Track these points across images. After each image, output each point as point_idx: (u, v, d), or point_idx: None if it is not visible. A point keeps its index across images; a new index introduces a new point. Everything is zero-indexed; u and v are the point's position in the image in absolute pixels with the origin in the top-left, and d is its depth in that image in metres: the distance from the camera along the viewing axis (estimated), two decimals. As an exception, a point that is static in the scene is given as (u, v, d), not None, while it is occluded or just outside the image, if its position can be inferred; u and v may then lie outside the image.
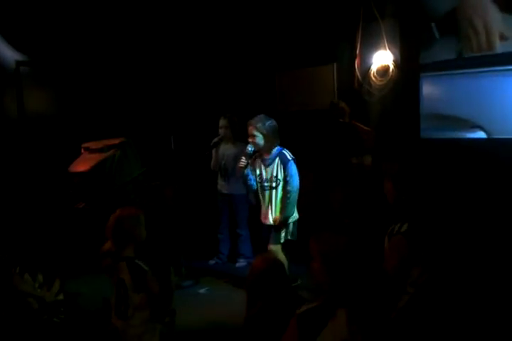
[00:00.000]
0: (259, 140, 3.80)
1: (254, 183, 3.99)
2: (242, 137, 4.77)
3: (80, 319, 3.72)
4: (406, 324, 2.18)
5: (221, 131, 4.73)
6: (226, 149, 4.79)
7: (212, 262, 5.09)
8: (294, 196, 3.82)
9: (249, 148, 3.85)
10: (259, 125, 3.79)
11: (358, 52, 4.84)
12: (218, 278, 4.73)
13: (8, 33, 5.02)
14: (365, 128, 4.66)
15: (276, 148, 3.89)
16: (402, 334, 1.94)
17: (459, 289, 2.75)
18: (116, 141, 3.91)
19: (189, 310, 3.87)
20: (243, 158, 3.87)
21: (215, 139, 4.74)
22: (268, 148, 3.87)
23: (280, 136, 3.93)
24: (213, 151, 4.80)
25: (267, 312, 2.19)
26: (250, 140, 3.84)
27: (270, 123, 3.83)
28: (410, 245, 2.33)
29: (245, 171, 3.91)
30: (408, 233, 2.36)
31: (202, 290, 4.42)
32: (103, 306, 3.96)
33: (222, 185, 4.94)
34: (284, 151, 3.88)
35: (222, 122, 4.74)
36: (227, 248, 5.08)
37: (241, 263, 4.89)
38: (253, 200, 4.85)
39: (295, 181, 3.81)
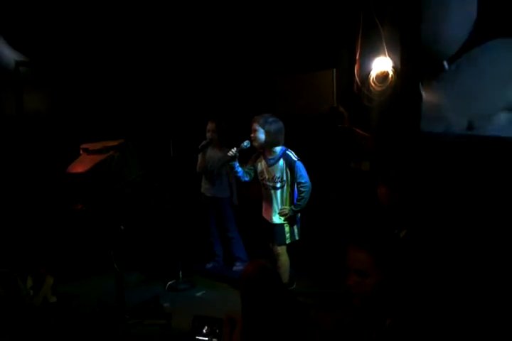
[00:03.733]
0: (260, 134, 3.80)
1: (243, 175, 4.00)
2: (229, 142, 4.80)
3: (75, 321, 3.70)
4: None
5: (208, 135, 4.75)
6: (212, 153, 4.81)
7: (209, 265, 5.09)
8: (308, 194, 3.88)
9: (245, 143, 3.85)
10: (261, 121, 3.81)
11: (357, 57, 4.86)
12: (215, 281, 4.73)
13: (8, 33, 5.02)
14: (364, 133, 4.69)
15: (279, 149, 3.90)
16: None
17: (459, 294, 2.74)
18: (115, 143, 3.87)
19: (186, 313, 3.85)
20: (234, 148, 3.86)
21: (203, 142, 4.75)
22: (269, 146, 3.87)
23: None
24: (200, 154, 4.82)
25: (263, 320, 2.16)
26: (252, 135, 3.83)
27: (273, 120, 3.83)
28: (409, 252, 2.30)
29: (231, 163, 3.90)
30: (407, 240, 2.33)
31: (199, 294, 4.42)
32: (98, 308, 3.96)
33: (206, 188, 4.95)
34: (288, 152, 3.89)
35: (209, 126, 4.76)
36: (221, 250, 5.08)
37: (238, 266, 4.88)
38: (236, 201, 4.88)
39: (307, 180, 3.86)
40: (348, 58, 4.96)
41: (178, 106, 5.77)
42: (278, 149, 3.90)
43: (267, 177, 3.96)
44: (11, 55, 5.09)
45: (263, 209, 4.12)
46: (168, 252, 4.96)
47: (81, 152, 4.14)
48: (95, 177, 3.65)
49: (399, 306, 1.53)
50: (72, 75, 5.50)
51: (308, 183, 3.87)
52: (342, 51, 5.02)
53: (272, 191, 3.95)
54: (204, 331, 1.49)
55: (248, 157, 4.11)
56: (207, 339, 1.48)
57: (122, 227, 3.83)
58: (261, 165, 4.00)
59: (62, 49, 5.33)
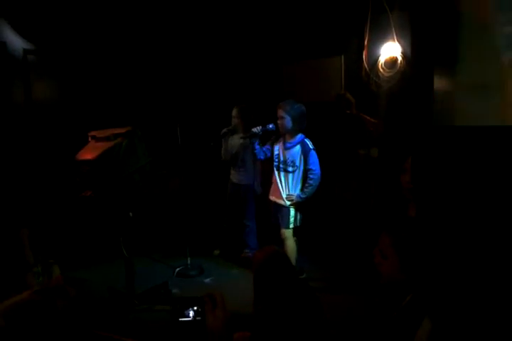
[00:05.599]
0: (288, 122, 3.92)
1: (259, 152, 4.13)
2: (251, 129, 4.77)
3: (85, 306, 3.74)
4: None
5: (233, 121, 4.72)
6: (236, 139, 4.75)
7: (217, 252, 5.11)
8: (316, 182, 3.95)
9: (270, 126, 3.98)
10: (287, 107, 3.91)
11: (366, 43, 4.81)
12: (224, 267, 4.76)
13: (16, 21, 5.01)
14: (372, 119, 4.64)
15: (299, 136, 4.01)
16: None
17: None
18: (123, 130, 3.89)
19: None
20: (260, 126, 3.99)
21: (224, 129, 4.72)
22: (293, 132, 3.98)
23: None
24: (223, 141, 4.79)
25: (276, 305, 2.17)
26: (279, 122, 3.95)
27: (298, 107, 3.95)
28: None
29: (252, 139, 4.04)
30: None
31: (207, 280, 4.46)
32: (108, 294, 4.00)
33: (233, 175, 4.93)
34: (306, 140, 3.99)
35: (233, 112, 4.73)
36: (234, 238, 5.08)
37: (247, 254, 4.89)
38: (258, 190, 4.88)
39: (317, 169, 3.95)
40: (356, 44, 4.91)
41: (186, 95, 5.76)
42: (298, 135, 4.00)
43: (282, 159, 4.06)
44: (19, 43, 5.08)
45: (271, 191, 4.19)
46: (176, 238, 4.99)
47: (89, 139, 4.16)
48: (103, 164, 3.67)
49: (419, 284, 1.62)
50: (80, 63, 5.49)
51: (318, 171, 3.94)
52: (350, 37, 4.97)
53: (283, 173, 4.05)
54: (186, 312, 1.48)
55: (268, 137, 4.22)
56: (191, 319, 1.47)
57: (131, 214, 3.86)
58: (278, 147, 4.11)
59: (70, 37, 5.32)
